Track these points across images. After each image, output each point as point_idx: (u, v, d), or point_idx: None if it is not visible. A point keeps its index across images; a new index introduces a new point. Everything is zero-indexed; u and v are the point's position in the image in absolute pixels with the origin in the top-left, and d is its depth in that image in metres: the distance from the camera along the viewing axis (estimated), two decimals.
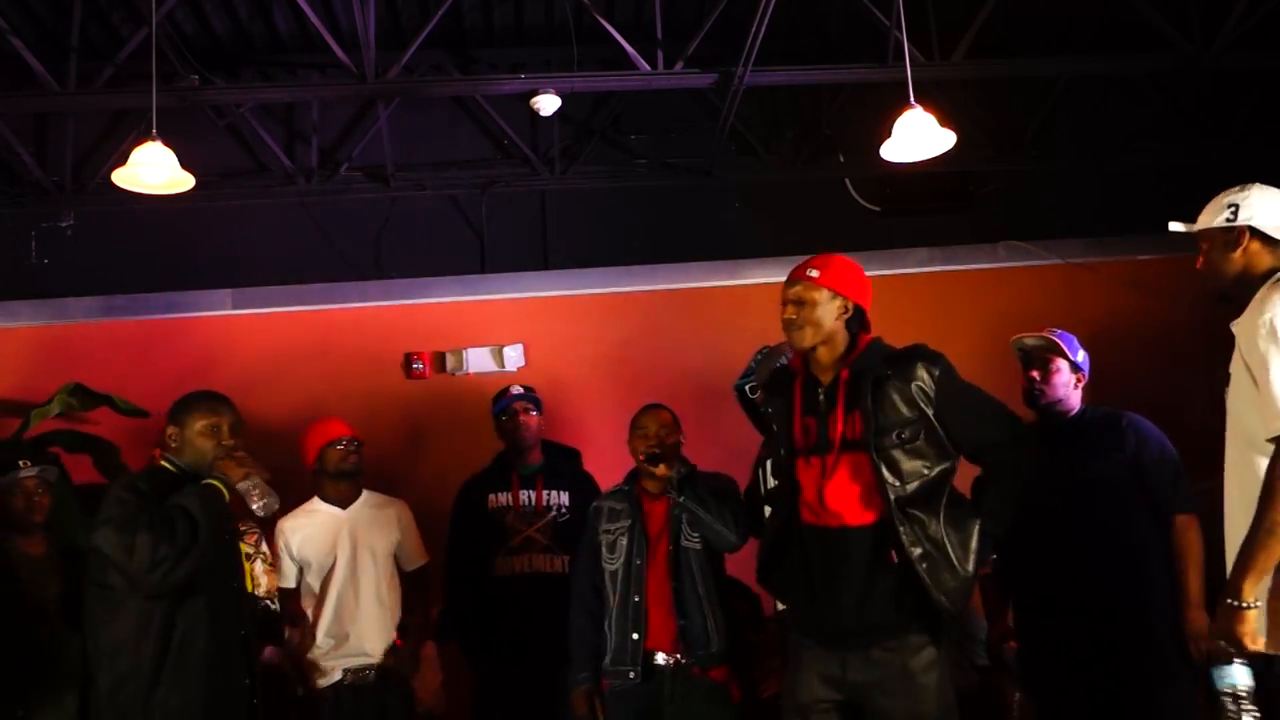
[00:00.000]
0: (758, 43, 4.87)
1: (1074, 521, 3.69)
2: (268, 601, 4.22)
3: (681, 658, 3.65)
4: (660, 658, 3.66)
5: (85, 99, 5.23)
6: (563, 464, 4.61)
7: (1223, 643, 2.49)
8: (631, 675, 3.63)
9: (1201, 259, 2.85)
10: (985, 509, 3.03)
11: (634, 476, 3.95)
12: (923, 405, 2.99)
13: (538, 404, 4.61)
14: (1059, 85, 6.01)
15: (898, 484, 2.95)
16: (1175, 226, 2.87)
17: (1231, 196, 2.81)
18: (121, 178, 4.49)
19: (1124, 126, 6.20)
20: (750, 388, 3.73)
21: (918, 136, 4.52)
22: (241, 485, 3.17)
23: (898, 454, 2.96)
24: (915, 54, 4.79)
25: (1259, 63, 5.47)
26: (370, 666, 4.14)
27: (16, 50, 4.90)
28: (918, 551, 2.91)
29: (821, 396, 3.08)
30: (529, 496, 4.43)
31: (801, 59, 5.39)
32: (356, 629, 4.17)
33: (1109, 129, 6.19)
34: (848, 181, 6.16)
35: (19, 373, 5.51)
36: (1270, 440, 2.51)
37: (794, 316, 3.09)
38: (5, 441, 4.73)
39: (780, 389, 3.20)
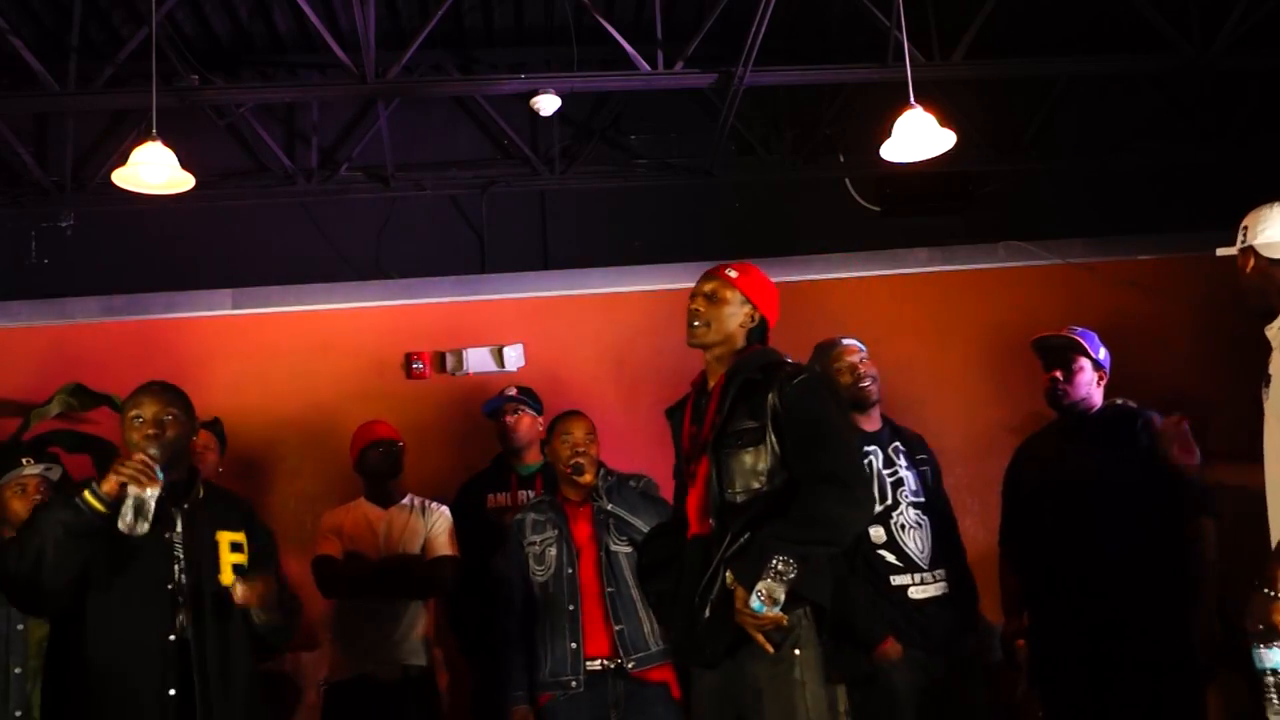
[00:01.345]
0: (758, 43, 4.87)
1: (1087, 521, 3.70)
2: None
3: (622, 662, 3.65)
4: (599, 664, 3.66)
5: (85, 99, 5.22)
6: None
7: (1262, 627, 2.52)
8: (574, 685, 3.63)
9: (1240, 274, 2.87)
10: (766, 530, 2.76)
11: (553, 486, 3.97)
12: (768, 417, 2.85)
13: (532, 404, 4.61)
14: (1059, 85, 6.00)
15: (724, 491, 2.85)
16: (1222, 252, 2.91)
17: (1248, 218, 2.83)
18: (121, 178, 4.49)
19: (1124, 126, 6.19)
20: None
21: (918, 136, 4.52)
22: (128, 495, 2.90)
23: (734, 460, 2.86)
24: (915, 54, 4.79)
25: (1259, 63, 5.46)
26: (396, 663, 4.15)
27: (16, 50, 4.89)
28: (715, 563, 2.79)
29: (704, 402, 3.03)
30: (528, 497, 4.43)
31: (801, 59, 5.38)
32: (383, 628, 4.18)
33: (1109, 129, 6.18)
34: (848, 181, 6.15)
35: (19, 373, 5.50)
36: None
37: (700, 309, 3.01)
38: (5, 443, 4.73)
39: (680, 402, 3.15)
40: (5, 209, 5.87)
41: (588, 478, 3.75)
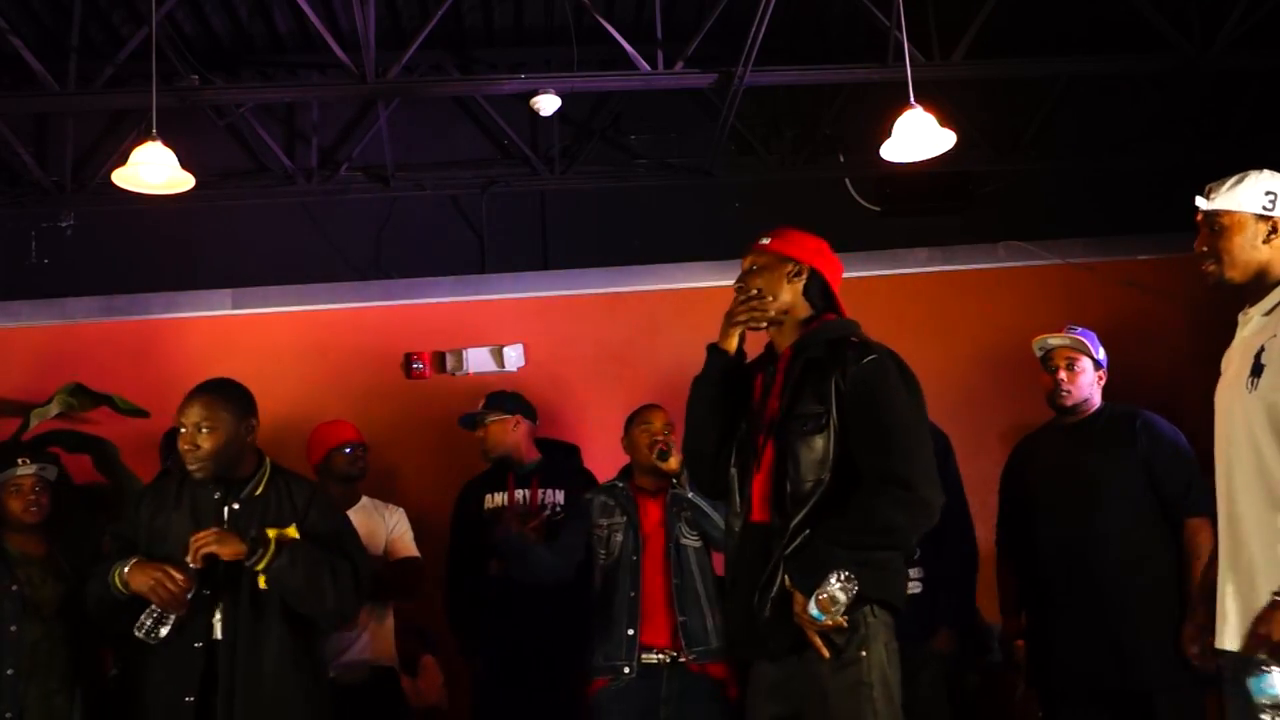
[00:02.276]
0: (758, 43, 4.86)
1: (1083, 522, 3.70)
2: None
3: (679, 655, 3.64)
4: (656, 655, 3.65)
5: (85, 99, 5.21)
6: (562, 462, 4.59)
7: (1263, 654, 2.35)
8: (627, 671, 3.62)
9: (1215, 240, 2.62)
10: (823, 531, 2.61)
11: (628, 473, 3.94)
12: (832, 401, 2.64)
13: (509, 406, 4.53)
14: (1059, 85, 6.00)
15: (787, 479, 2.65)
16: (1204, 204, 2.65)
17: (1267, 182, 2.63)
18: (121, 178, 4.49)
19: (1124, 126, 6.19)
20: None
21: (918, 136, 4.52)
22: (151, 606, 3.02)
23: (801, 447, 2.65)
24: (915, 54, 4.79)
25: (1259, 63, 5.46)
26: (361, 666, 4.15)
27: (16, 50, 4.89)
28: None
29: (772, 374, 2.82)
30: (524, 497, 4.42)
31: (801, 59, 5.38)
32: (349, 631, 4.18)
33: (1109, 129, 6.18)
34: (848, 181, 6.15)
35: (19, 373, 5.51)
36: None
37: (742, 285, 2.83)
38: (5, 443, 4.72)
39: (754, 363, 2.94)
40: (5, 209, 5.87)
41: (673, 463, 3.71)
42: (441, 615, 4.59)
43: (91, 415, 5.22)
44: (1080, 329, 3.93)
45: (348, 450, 4.40)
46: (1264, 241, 2.59)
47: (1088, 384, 3.85)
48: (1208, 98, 6.19)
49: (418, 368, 5.71)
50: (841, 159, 6.13)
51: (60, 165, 5.82)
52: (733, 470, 2.83)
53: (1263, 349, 2.51)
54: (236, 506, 3.23)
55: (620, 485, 3.93)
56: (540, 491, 4.42)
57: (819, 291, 2.85)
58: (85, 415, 5.22)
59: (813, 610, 2.54)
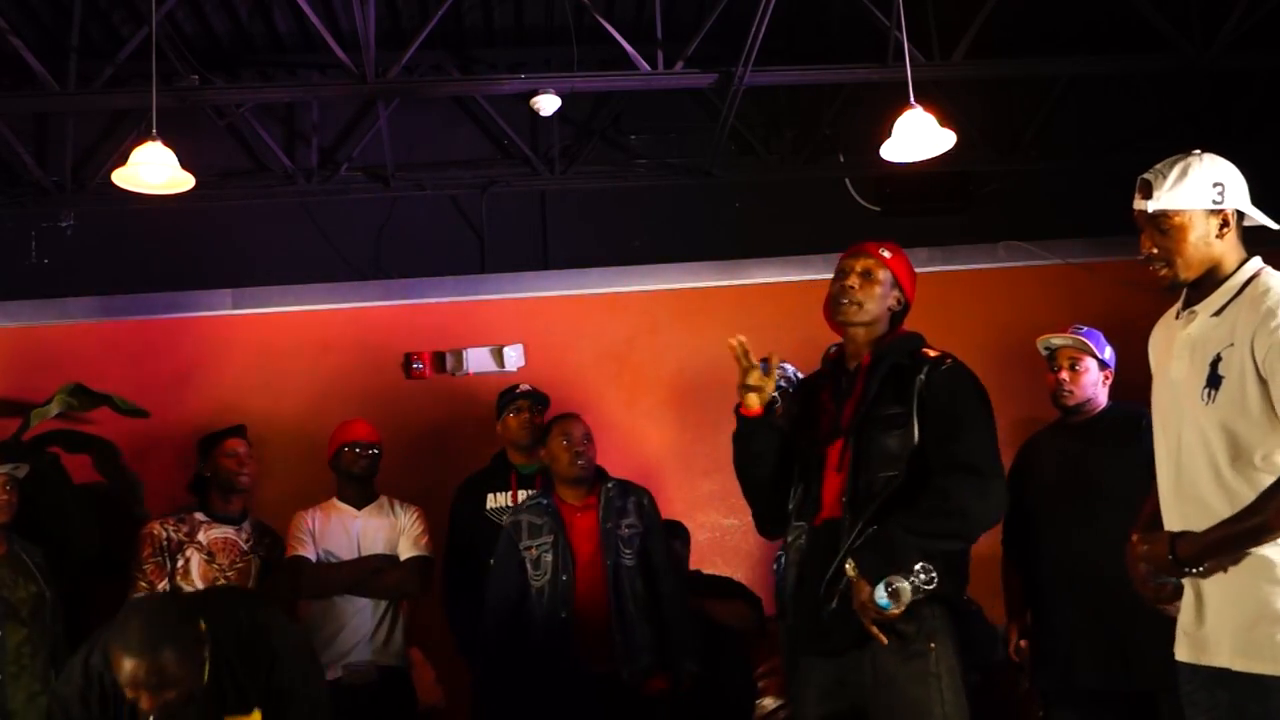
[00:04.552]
0: (758, 43, 4.86)
1: (1087, 521, 3.69)
2: None
3: (612, 673, 3.65)
4: (595, 672, 3.66)
5: (85, 99, 5.22)
6: None
7: (1149, 565, 2.53)
8: (566, 691, 3.64)
9: (1166, 242, 2.42)
10: (895, 521, 2.71)
11: (549, 488, 3.93)
12: (914, 403, 2.80)
13: (545, 404, 4.61)
14: (1059, 85, 6.00)
15: (860, 476, 2.78)
16: (1151, 204, 2.42)
17: (1211, 171, 2.43)
18: (121, 178, 4.49)
19: (1124, 126, 6.18)
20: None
21: (918, 136, 4.53)
22: None
23: (878, 445, 2.79)
24: (915, 54, 4.79)
25: (1259, 63, 5.47)
26: (371, 665, 4.14)
27: (16, 50, 4.89)
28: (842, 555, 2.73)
29: (845, 382, 2.97)
30: (529, 496, 4.43)
31: (801, 59, 5.38)
32: (359, 628, 4.18)
33: (1109, 129, 6.18)
34: (848, 181, 6.15)
35: (19, 373, 5.50)
36: None
37: (854, 285, 2.97)
38: (5, 442, 4.72)
39: (818, 378, 3.09)
40: (5, 209, 5.86)
41: None
42: (440, 613, 4.60)
43: (91, 415, 5.21)
44: (1086, 329, 3.94)
45: (356, 449, 4.46)
46: (1216, 236, 2.41)
47: (1091, 384, 3.85)
48: (1208, 98, 6.19)
49: (417, 368, 5.70)
50: (841, 159, 6.13)
51: (60, 165, 5.82)
52: (797, 483, 2.95)
53: (1219, 358, 2.35)
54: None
55: (545, 501, 3.91)
56: None
57: (902, 317, 3.08)
58: (85, 415, 5.22)
59: (880, 598, 2.59)
